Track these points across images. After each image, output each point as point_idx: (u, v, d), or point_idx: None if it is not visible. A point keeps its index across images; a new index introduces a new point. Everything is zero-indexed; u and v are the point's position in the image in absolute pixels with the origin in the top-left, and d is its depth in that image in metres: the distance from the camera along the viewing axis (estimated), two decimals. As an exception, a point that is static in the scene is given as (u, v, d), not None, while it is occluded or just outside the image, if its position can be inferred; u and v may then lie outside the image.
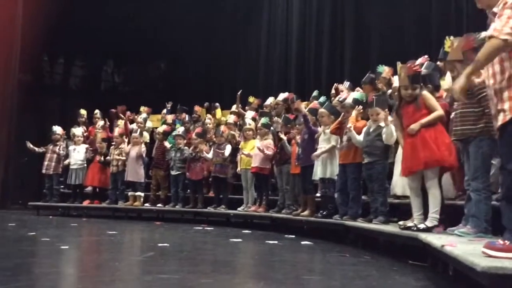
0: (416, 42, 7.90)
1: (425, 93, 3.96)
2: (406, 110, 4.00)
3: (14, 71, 11.16)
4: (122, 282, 2.85)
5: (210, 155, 7.65)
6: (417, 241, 3.49)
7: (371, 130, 4.89)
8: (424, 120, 3.83)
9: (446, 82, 4.61)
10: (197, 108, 9.21)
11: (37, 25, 11.48)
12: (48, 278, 2.93)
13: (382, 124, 4.79)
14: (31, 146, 9.41)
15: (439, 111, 3.88)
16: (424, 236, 3.36)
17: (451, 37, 4.05)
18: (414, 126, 3.82)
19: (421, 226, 3.74)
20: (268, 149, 6.85)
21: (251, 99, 8.77)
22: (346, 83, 6.61)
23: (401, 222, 4.09)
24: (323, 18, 9.74)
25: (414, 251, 3.82)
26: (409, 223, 3.90)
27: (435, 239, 3.13)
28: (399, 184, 4.56)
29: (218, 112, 9.06)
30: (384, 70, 5.57)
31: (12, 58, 11.11)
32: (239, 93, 8.56)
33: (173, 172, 8.13)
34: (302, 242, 5.00)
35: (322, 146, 5.64)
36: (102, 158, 8.73)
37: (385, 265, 3.63)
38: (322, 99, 7.21)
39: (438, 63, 4.90)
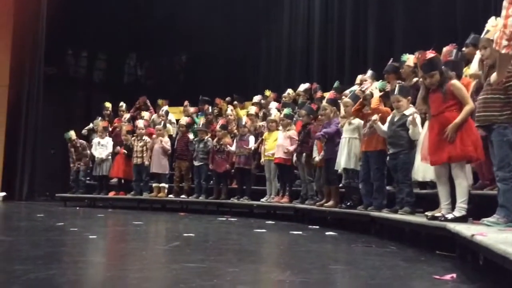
0: (441, 30, 7.73)
1: (455, 82, 3.85)
2: (434, 98, 3.93)
3: (39, 64, 11.37)
4: (150, 270, 2.89)
5: (233, 148, 7.67)
6: (445, 231, 3.45)
7: (395, 119, 4.82)
8: (458, 120, 3.72)
9: (472, 69, 4.52)
10: (218, 100, 9.24)
11: (62, 19, 11.67)
12: (78, 266, 2.98)
13: (406, 112, 4.72)
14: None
15: (470, 105, 3.75)
16: (452, 226, 3.31)
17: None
18: (451, 129, 3.71)
19: (449, 216, 3.69)
20: (292, 140, 6.84)
21: (267, 92, 8.77)
22: (369, 72, 6.53)
23: (428, 213, 4.03)
24: (345, 7, 9.61)
25: (440, 242, 3.77)
26: (437, 213, 3.85)
27: (464, 229, 3.08)
28: (420, 169, 4.47)
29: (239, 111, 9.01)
30: (408, 58, 5.47)
31: (38, 52, 11.30)
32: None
33: (196, 163, 8.19)
34: (327, 233, 4.99)
35: (348, 136, 5.60)
36: (126, 152, 8.82)
37: (412, 255, 3.60)
38: (336, 84, 7.17)
39: (464, 49, 4.81)
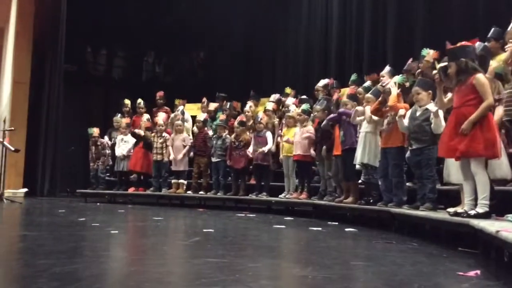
0: (462, 24, 7.59)
1: (479, 76, 3.76)
2: (457, 90, 3.87)
3: (60, 62, 11.52)
4: (172, 265, 2.92)
5: (250, 149, 7.67)
6: (468, 228, 3.41)
7: (417, 114, 4.77)
8: (473, 116, 3.66)
9: (496, 61, 4.44)
10: (235, 104, 9.24)
11: (81, 18, 11.81)
12: (101, 261, 3.02)
13: (429, 107, 4.67)
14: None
15: (489, 100, 3.69)
16: (476, 222, 3.27)
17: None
18: (466, 126, 3.67)
19: (472, 212, 3.64)
20: (309, 135, 6.83)
21: (288, 90, 8.73)
22: (387, 68, 6.46)
23: (450, 209, 3.99)
24: (364, 1, 9.51)
25: (462, 238, 3.73)
26: (459, 210, 3.81)
27: (488, 225, 3.04)
28: (454, 171, 4.35)
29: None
30: (428, 53, 5.41)
31: (58, 50, 11.45)
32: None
33: (213, 159, 8.22)
34: (346, 229, 4.96)
35: (365, 130, 5.57)
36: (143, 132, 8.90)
37: (434, 252, 3.56)
38: (353, 76, 7.12)
39: (486, 43, 4.73)
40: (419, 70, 5.62)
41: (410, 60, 6.14)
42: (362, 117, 5.62)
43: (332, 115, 6.20)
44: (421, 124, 4.71)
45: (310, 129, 6.90)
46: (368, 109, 5.48)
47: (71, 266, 2.68)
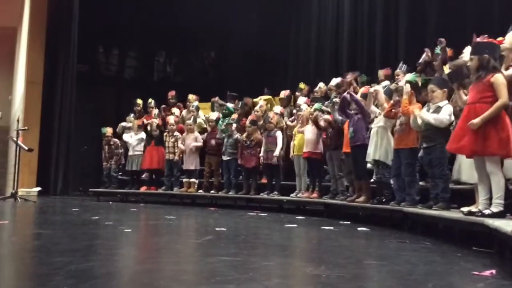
0: (476, 20, 7.52)
1: (498, 76, 3.70)
2: (474, 86, 3.84)
3: (72, 62, 11.62)
4: (186, 263, 2.93)
5: (261, 153, 7.67)
6: (483, 227, 3.38)
7: (430, 111, 4.74)
8: (486, 114, 3.63)
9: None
10: (247, 100, 9.23)
11: (93, 18, 11.90)
12: (116, 259, 3.05)
13: (441, 104, 4.64)
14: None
15: (502, 100, 3.63)
16: (491, 222, 3.24)
17: None
18: (476, 122, 3.64)
19: (486, 211, 3.61)
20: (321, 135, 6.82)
21: (302, 85, 8.71)
22: (402, 66, 6.42)
23: (464, 209, 3.96)
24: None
25: (476, 238, 3.70)
26: (474, 209, 3.78)
27: (504, 225, 3.02)
28: (465, 170, 4.31)
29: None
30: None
31: (71, 50, 11.56)
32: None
33: (224, 158, 8.24)
34: (359, 228, 4.95)
35: (376, 126, 5.54)
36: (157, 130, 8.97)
37: (448, 251, 3.54)
38: (363, 77, 7.07)
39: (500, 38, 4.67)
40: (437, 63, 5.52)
41: (424, 54, 6.08)
42: (376, 111, 5.59)
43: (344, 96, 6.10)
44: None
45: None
46: (381, 92, 5.45)
47: (86, 264, 2.70)
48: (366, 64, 9.34)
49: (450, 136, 4.61)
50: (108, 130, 9.72)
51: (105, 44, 13.85)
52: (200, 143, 8.59)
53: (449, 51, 5.39)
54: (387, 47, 9.05)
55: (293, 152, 7.32)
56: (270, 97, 9.16)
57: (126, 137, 9.60)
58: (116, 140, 9.78)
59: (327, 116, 6.67)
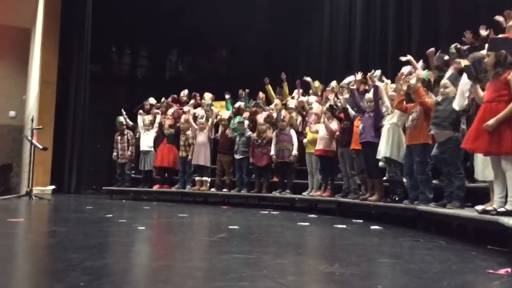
0: (489, 18, 7.41)
1: None
2: (490, 84, 3.80)
3: (85, 62, 11.72)
4: (200, 260, 2.95)
5: (272, 151, 7.67)
6: (498, 225, 3.35)
7: (439, 100, 4.70)
8: (501, 115, 3.58)
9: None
10: (261, 95, 9.23)
11: (106, 18, 11.99)
12: (130, 256, 3.08)
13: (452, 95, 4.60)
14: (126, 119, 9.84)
15: None
16: (506, 220, 3.22)
17: None
18: (491, 123, 3.60)
19: (501, 209, 3.58)
20: (332, 131, 6.81)
21: (316, 83, 8.69)
22: (420, 63, 6.36)
23: (478, 207, 3.93)
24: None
25: (491, 236, 3.68)
26: (488, 207, 3.75)
27: (519, 223, 2.99)
28: (480, 168, 4.27)
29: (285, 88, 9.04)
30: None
31: (84, 50, 11.66)
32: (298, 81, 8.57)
33: (237, 157, 8.25)
34: (371, 227, 4.94)
35: (387, 123, 5.52)
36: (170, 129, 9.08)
37: (462, 249, 3.52)
38: (376, 72, 7.02)
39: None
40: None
41: (439, 52, 6.03)
42: (390, 107, 5.56)
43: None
44: (445, 109, 4.63)
45: (335, 126, 6.86)
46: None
47: (101, 260, 2.73)
48: (378, 62, 9.28)
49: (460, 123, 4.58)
50: (123, 119, 9.81)
51: (117, 43, 13.96)
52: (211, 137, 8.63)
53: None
54: (400, 44, 8.97)
55: (306, 150, 7.31)
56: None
57: (139, 120, 9.64)
58: (130, 131, 9.84)
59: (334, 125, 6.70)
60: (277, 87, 9.45)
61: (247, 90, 9.58)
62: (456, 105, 4.47)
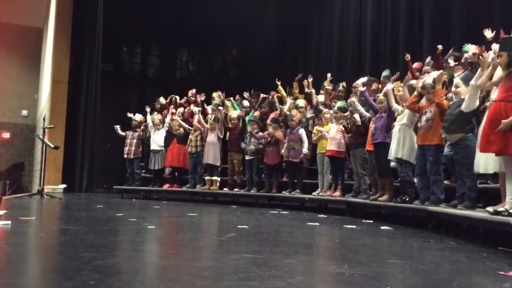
0: (503, 16, 7.33)
1: None
2: (504, 82, 3.76)
3: (97, 62, 11.80)
4: (209, 259, 2.96)
5: (283, 151, 7.67)
6: (509, 226, 3.32)
7: (450, 102, 4.67)
8: (511, 118, 3.55)
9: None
10: (273, 93, 9.21)
11: (117, 18, 12.06)
12: (140, 255, 3.10)
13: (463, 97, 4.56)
14: (119, 130, 9.91)
15: None
16: (517, 221, 3.19)
17: None
18: (503, 126, 3.56)
19: (513, 211, 3.55)
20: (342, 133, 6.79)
21: (326, 83, 8.66)
22: (430, 62, 6.32)
23: (489, 208, 3.89)
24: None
25: (502, 237, 3.64)
26: (500, 208, 3.71)
27: (531, 224, 2.96)
28: (482, 161, 4.19)
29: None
30: (470, 49, 5.26)
31: (95, 50, 11.74)
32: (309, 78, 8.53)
33: (247, 157, 8.25)
34: (382, 227, 4.91)
35: (399, 124, 5.50)
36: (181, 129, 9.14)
37: (473, 250, 3.49)
38: (385, 72, 6.99)
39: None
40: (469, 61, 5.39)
41: (452, 49, 5.99)
42: (399, 109, 5.54)
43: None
44: (452, 111, 4.61)
45: (342, 128, 6.84)
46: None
47: (112, 259, 2.75)
48: (389, 62, 9.22)
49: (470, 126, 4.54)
50: (140, 117, 9.87)
51: (128, 43, 14.04)
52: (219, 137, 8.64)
53: (476, 49, 5.25)
54: (411, 44, 8.91)
55: (317, 151, 7.29)
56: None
57: (148, 119, 9.69)
58: (141, 129, 9.88)
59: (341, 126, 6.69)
60: (288, 87, 9.42)
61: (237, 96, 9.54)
62: (464, 107, 4.43)
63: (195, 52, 14.80)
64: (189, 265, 2.66)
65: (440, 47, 6.18)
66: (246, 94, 9.32)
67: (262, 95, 9.21)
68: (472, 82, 4.32)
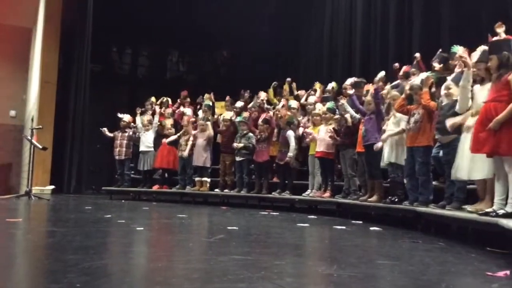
0: (491, 19, 7.38)
1: None
2: (495, 84, 3.80)
3: (86, 62, 11.72)
4: (198, 261, 2.94)
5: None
6: (497, 227, 3.34)
7: (443, 104, 4.70)
8: (501, 116, 3.59)
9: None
10: (262, 95, 9.20)
11: (106, 18, 11.99)
12: (129, 257, 3.07)
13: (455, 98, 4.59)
14: (106, 132, 9.85)
15: None
16: (505, 222, 3.21)
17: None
18: (493, 126, 3.60)
19: (501, 211, 3.57)
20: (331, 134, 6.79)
21: (317, 85, 8.68)
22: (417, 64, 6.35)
23: (470, 207, 3.94)
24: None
25: (491, 238, 3.66)
26: (488, 209, 3.74)
27: (518, 225, 2.98)
28: (465, 166, 4.26)
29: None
30: (459, 50, 5.30)
31: (84, 50, 11.65)
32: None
33: (237, 158, 8.24)
34: (371, 228, 4.93)
35: (391, 129, 5.52)
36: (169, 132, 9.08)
37: (462, 251, 3.50)
38: (381, 74, 6.99)
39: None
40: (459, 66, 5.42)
41: (439, 51, 6.03)
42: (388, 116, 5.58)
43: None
44: (445, 114, 4.64)
45: (331, 129, 6.84)
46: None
47: (99, 261, 2.72)
48: (379, 63, 9.26)
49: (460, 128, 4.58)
50: (128, 117, 9.81)
51: (118, 43, 13.97)
52: (209, 139, 8.61)
53: (464, 51, 5.28)
54: (400, 46, 8.95)
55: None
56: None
57: (138, 120, 9.65)
58: (131, 130, 9.82)
59: (331, 127, 6.70)
60: (277, 88, 9.42)
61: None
62: (458, 108, 4.46)
63: (185, 52, 14.75)
64: (178, 267, 2.64)
65: (417, 55, 6.26)
66: (228, 98, 9.33)
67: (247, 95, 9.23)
68: (460, 83, 4.35)
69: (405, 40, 8.91)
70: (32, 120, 10.02)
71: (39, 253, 3.16)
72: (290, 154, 7.46)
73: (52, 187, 10.84)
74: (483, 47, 4.26)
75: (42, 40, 11.55)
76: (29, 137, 9.05)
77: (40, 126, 9.80)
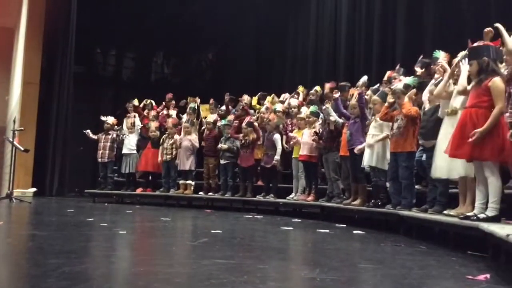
0: (474, 24, 7.50)
1: (496, 80, 3.69)
2: (473, 90, 3.85)
3: (69, 63, 11.59)
4: (180, 265, 2.92)
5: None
6: (478, 231, 3.38)
7: (426, 109, 4.75)
8: (486, 126, 3.58)
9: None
10: (246, 98, 9.18)
11: (91, 19, 11.89)
12: (110, 261, 3.04)
13: (437, 103, 4.64)
14: (90, 134, 9.76)
15: (499, 106, 3.62)
16: (486, 226, 3.25)
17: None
18: (476, 136, 3.59)
19: (481, 215, 3.61)
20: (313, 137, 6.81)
21: (301, 88, 8.71)
22: (400, 69, 6.42)
23: (452, 212, 3.99)
24: (374, 1, 9.44)
25: (471, 242, 3.71)
26: (469, 213, 3.78)
27: (498, 229, 3.02)
28: (444, 166, 4.27)
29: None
30: (441, 55, 5.35)
31: (68, 51, 11.53)
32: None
33: (222, 161, 8.23)
34: (354, 231, 4.96)
35: (372, 133, 5.56)
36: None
37: (443, 255, 3.54)
38: (364, 78, 7.04)
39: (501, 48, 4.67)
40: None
41: (421, 56, 6.09)
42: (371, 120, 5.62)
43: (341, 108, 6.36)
44: (428, 118, 4.69)
45: (314, 132, 6.87)
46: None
47: (80, 265, 2.69)
48: (363, 68, 9.33)
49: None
50: (112, 120, 9.74)
51: (102, 44, 13.85)
52: (196, 145, 8.57)
53: (446, 56, 5.35)
54: (384, 50, 9.04)
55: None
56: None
57: (124, 123, 9.58)
58: (115, 132, 9.73)
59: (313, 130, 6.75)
60: (259, 92, 9.41)
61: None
62: (441, 114, 4.52)
63: (170, 55, 14.69)
64: (160, 272, 2.62)
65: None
66: (211, 100, 9.31)
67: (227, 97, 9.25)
68: (436, 88, 4.42)
69: (388, 44, 9.00)
70: (14, 121, 9.87)
71: (19, 257, 3.11)
72: (277, 157, 7.47)
73: (34, 189, 10.69)
74: (463, 53, 4.32)
75: (25, 40, 11.41)
76: (11, 139, 8.92)
77: (22, 128, 9.66)
